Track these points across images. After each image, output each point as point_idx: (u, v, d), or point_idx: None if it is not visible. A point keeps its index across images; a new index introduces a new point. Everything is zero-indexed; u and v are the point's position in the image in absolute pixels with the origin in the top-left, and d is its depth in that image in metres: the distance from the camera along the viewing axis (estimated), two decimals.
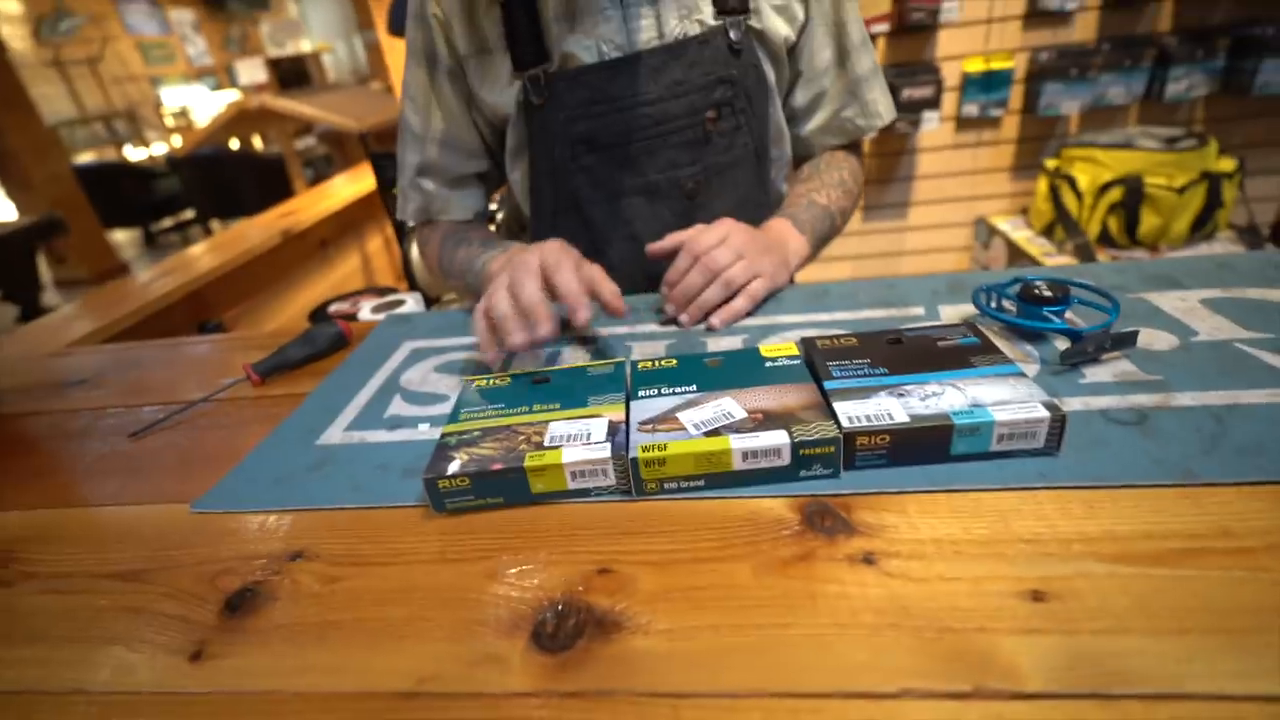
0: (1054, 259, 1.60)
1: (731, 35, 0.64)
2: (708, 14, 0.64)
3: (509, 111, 0.67)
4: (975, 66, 1.70)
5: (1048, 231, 1.70)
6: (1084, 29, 1.69)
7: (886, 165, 1.92)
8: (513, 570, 0.35)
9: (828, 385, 0.41)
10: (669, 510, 0.37)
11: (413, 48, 0.68)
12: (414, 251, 1.17)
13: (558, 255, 0.50)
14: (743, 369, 0.44)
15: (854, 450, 0.37)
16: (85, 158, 6.20)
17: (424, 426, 0.49)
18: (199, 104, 7.30)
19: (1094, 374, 0.44)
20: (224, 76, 8.02)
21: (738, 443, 0.36)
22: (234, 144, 4.63)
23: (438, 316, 0.70)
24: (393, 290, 1.15)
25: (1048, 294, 0.47)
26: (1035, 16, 1.67)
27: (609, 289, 0.51)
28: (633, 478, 0.37)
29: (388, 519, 0.40)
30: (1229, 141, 1.72)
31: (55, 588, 0.39)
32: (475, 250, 0.67)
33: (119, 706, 0.31)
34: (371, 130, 3.52)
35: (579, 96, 0.64)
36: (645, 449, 0.37)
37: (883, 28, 1.67)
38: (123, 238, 5.41)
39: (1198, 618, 0.27)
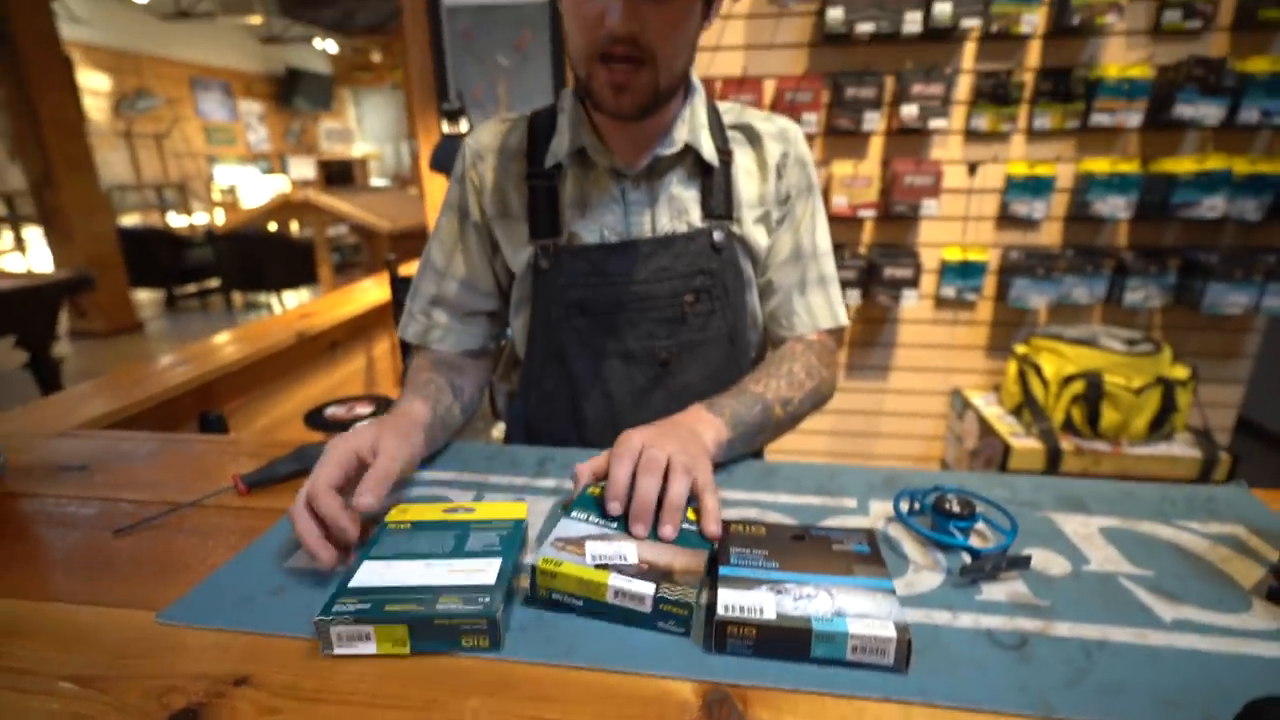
0: (1021, 440, 1.68)
1: (715, 236, 0.76)
2: (695, 217, 0.76)
3: (520, 269, 0.78)
4: (953, 255, 1.87)
5: (1017, 412, 1.79)
6: (1050, 235, 1.88)
7: (870, 330, 2.05)
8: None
9: (723, 570, 0.46)
10: (575, 679, 0.41)
11: (449, 200, 0.80)
12: None
13: (316, 487, 0.52)
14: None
15: (725, 636, 0.41)
16: (130, 219, 6.57)
17: None
18: (248, 184, 7.82)
19: (990, 591, 0.49)
20: (276, 162, 8.65)
21: (614, 580, 0.43)
22: (272, 226, 4.92)
23: None
24: (389, 403, 1.21)
25: (956, 509, 0.53)
26: (1006, 219, 1.86)
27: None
28: (530, 583, 0.45)
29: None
30: (1183, 349, 1.85)
31: (15, 684, 0.42)
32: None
33: None
34: (399, 231, 3.78)
35: (579, 268, 0.75)
36: (546, 560, 0.45)
37: (870, 214, 1.86)
38: (145, 296, 5.59)
39: None
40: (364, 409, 1.21)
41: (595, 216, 0.75)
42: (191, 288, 5.51)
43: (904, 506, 0.57)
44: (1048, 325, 1.91)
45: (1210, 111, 1.62)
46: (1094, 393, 1.60)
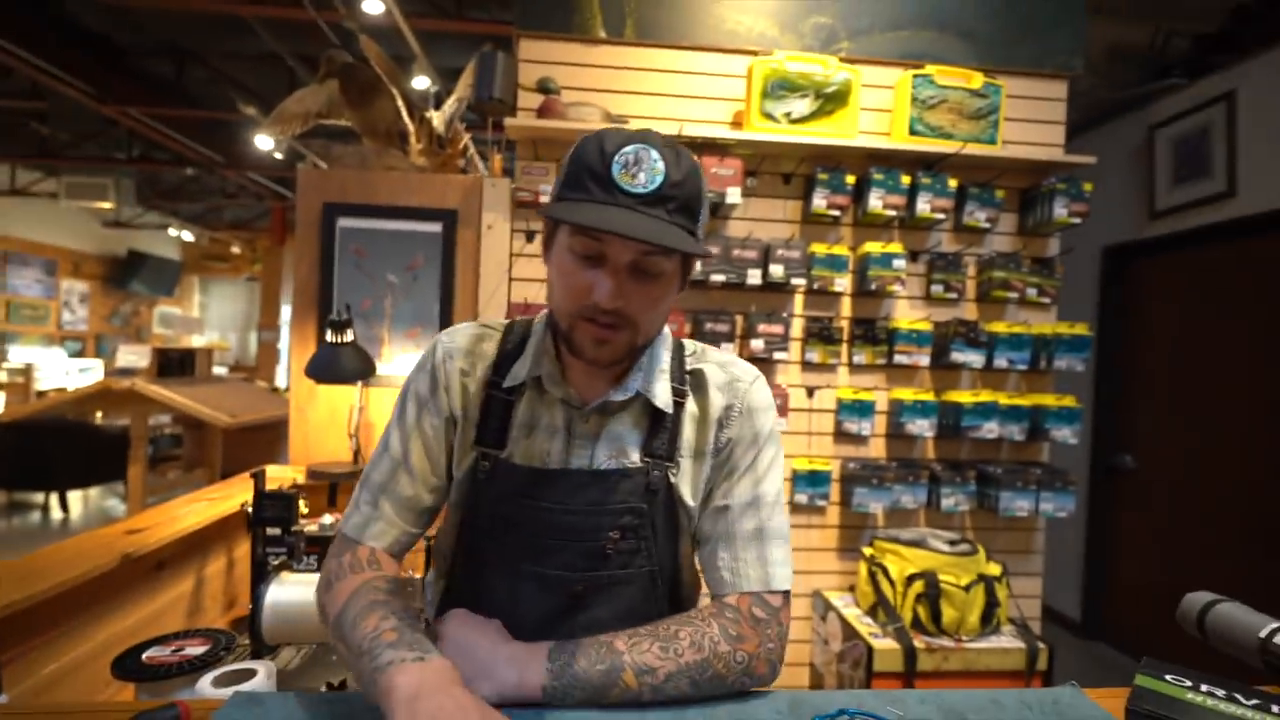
0: (880, 640, 1.78)
1: (651, 475, 0.77)
2: (635, 456, 0.77)
3: (460, 473, 0.79)
4: (802, 465, 2.11)
5: (872, 612, 1.92)
6: (877, 449, 2.21)
7: None
8: None
9: None
10: None
11: (414, 391, 0.80)
12: (273, 595, 1.11)
13: None
14: None
15: None
16: None
17: None
18: (50, 366, 6.87)
19: None
20: (91, 343, 7.78)
21: None
22: (69, 415, 4.28)
23: (295, 702, 0.66)
24: (228, 637, 1.04)
25: None
26: (841, 435, 2.17)
27: None
28: None
29: None
30: (992, 548, 2.15)
31: None
32: (385, 631, 0.62)
33: None
34: (241, 425, 3.47)
35: (511, 484, 0.76)
36: None
37: None
38: None
39: None
40: (196, 648, 1.01)
41: (538, 441, 0.78)
42: None
43: None
44: (885, 528, 2.15)
45: (974, 357, 2.10)
46: (933, 591, 1.79)
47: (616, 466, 0.77)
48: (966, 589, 1.79)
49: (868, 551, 2.01)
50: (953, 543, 1.96)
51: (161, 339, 6.60)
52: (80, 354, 7.51)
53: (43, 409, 3.93)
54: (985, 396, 2.09)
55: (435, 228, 2.18)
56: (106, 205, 6.14)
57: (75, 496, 4.77)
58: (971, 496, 2.12)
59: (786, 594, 0.76)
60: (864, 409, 2.11)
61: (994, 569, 1.89)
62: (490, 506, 0.77)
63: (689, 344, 0.84)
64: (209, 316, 8.69)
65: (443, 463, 0.80)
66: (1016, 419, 2.12)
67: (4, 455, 4.22)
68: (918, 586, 1.81)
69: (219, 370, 7.52)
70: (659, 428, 0.78)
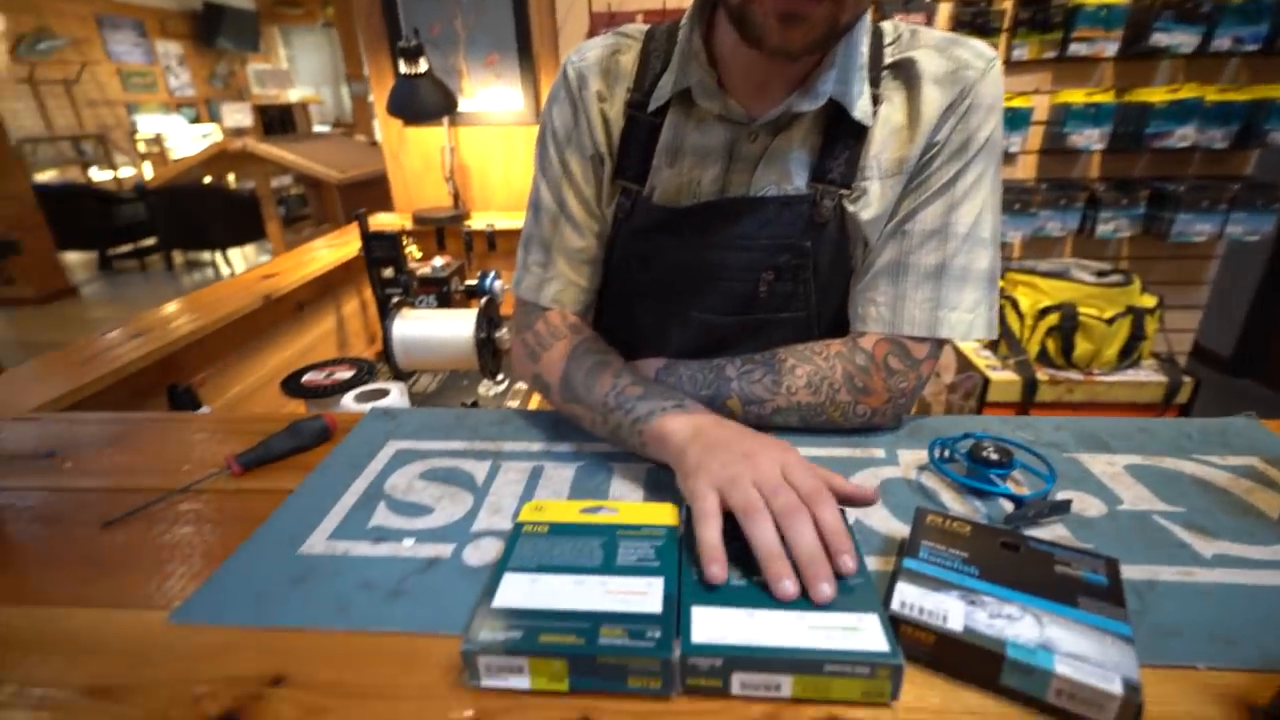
0: (998, 373, 1.72)
1: (821, 205, 0.60)
2: (800, 183, 0.61)
3: (609, 209, 0.68)
4: None
5: (993, 345, 1.83)
6: (1026, 169, 1.88)
7: None
8: (499, 710, 0.36)
9: (907, 563, 0.41)
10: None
11: (553, 129, 0.68)
12: (399, 329, 1.19)
13: (811, 480, 0.44)
14: None
15: (897, 638, 0.37)
16: (46, 176, 6.04)
17: (408, 542, 0.50)
18: (175, 133, 7.25)
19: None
20: (204, 109, 8.03)
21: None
22: (206, 179, 4.59)
23: (423, 414, 0.72)
24: (369, 365, 1.15)
25: (994, 457, 0.53)
26: None
27: (850, 488, 0.46)
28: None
29: (372, 645, 0.41)
30: (1150, 278, 1.90)
31: (23, 701, 0.38)
32: (628, 386, 0.59)
33: None
34: (350, 181, 3.57)
35: (651, 219, 0.65)
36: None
37: None
38: (75, 259, 5.22)
39: None
40: (344, 373, 1.15)
41: (685, 170, 0.63)
42: (126, 248, 5.16)
43: (938, 455, 0.56)
44: (1022, 260, 1.94)
45: (1185, 39, 1.62)
46: (1069, 324, 1.64)
47: (779, 194, 0.61)
48: (1109, 321, 1.63)
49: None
50: (1101, 274, 1.74)
51: (259, 98, 6.64)
52: (196, 120, 7.81)
53: (179, 174, 4.21)
54: (1187, 92, 1.66)
55: None
56: None
57: (235, 254, 5.36)
58: (1137, 221, 1.81)
59: (940, 342, 0.61)
60: (1017, 119, 1.75)
61: (1148, 300, 1.68)
62: (625, 246, 0.67)
63: (890, 27, 0.61)
64: (297, 70, 8.54)
65: (600, 209, 0.69)
66: (1223, 120, 1.69)
67: (166, 219, 4.70)
68: (1051, 319, 1.66)
69: (320, 128, 7.63)
70: (838, 144, 0.59)
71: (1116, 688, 0.32)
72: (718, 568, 0.40)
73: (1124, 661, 0.34)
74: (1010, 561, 0.42)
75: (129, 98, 7.16)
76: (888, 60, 0.60)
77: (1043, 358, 1.71)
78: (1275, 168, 1.83)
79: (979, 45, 0.59)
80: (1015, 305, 1.74)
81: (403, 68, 1.70)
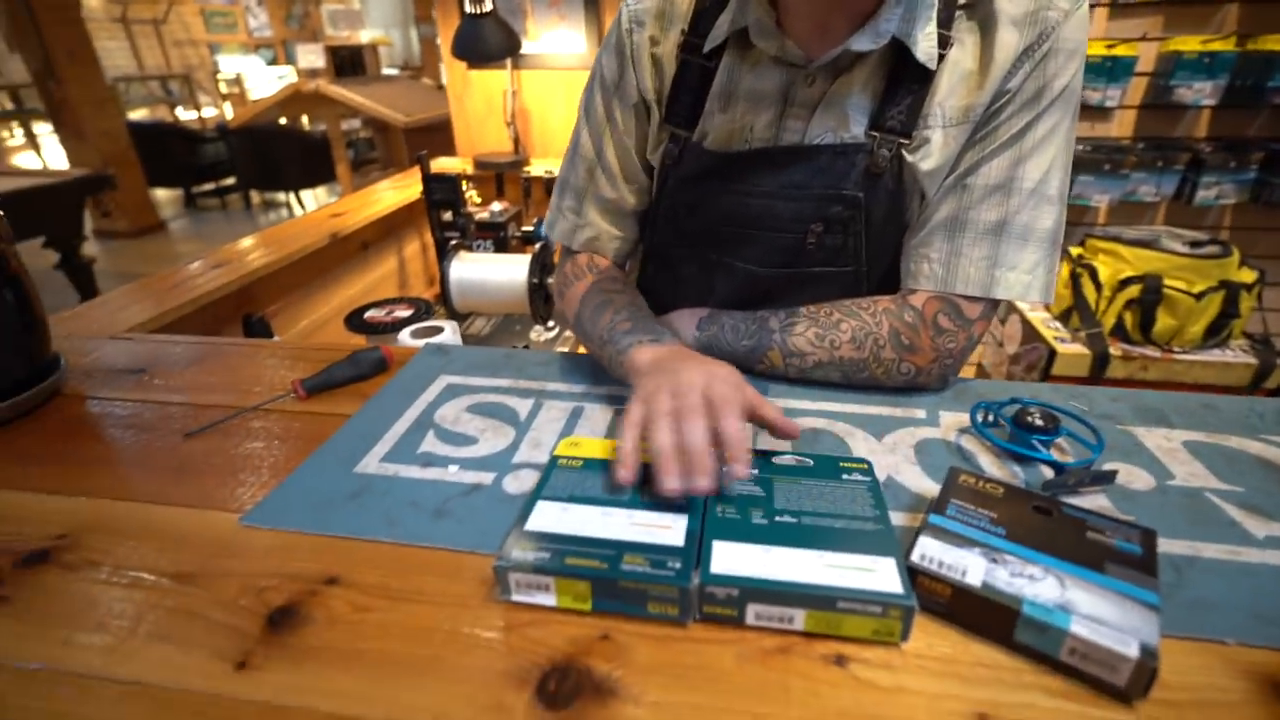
0: (1066, 345, 1.63)
1: (878, 154, 0.58)
2: (858, 131, 0.58)
3: (657, 158, 0.68)
4: None
5: (1064, 316, 1.73)
6: (1122, 126, 1.73)
7: None
8: (526, 623, 0.39)
9: (933, 519, 0.41)
10: None
11: (599, 75, 0.68)
12: (456, 271, 1.23)
13: (727, 392, 0.46)
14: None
15: (915, 588, 0.38)
16: (138, 115, 6.38)
17: (453, 468, 0.53)
18: (253, 74, 7.49)
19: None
20: (280, 50, 8.22)
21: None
22: (282, 120, 4.75)
23: (474, 352, 0.75)
24: (426, 304, 1.20)
25: (1039, 423, 0.51)
26: None
27: (773, 414, 0.47)
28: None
29: (415, 557, 0.44)
30: (1252, 251, 1.74)
31: (113, 578, 0.44)
32: (620, 322, 0.62)
33: (173, 704, 0.35)
34: (416, 125, 3.62)
35: (700, 165, 0.64)
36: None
37: None
38: (163, 195, 5.54)
39: None
40: (403, 311, 1.20)
41: (738, 115, 0.61)
42: (209, 186, 5.43)
43: (980, 418, 0.55)
44: (1106, 226, 1.80)
45: None
46: (1151, 298, 1.53)
47: (835, 142, 0.59)
48: (1199, 296, 1.51)
49: (1075, 251, 1.73)
50: (1195, 244, 1.61)
51: (332, 39, 6.76)
52: (274, 62, 8.02)
53: (257, 114, 4.37)
54: None
55: None
56: None
57: (308, 195, 5.56)
58: (1245, 187, 1.65)
59: (995, 303, 0.59)
60: (1118, 70, 1.61)
61: (1246, 275, 1.55)
62: (673, 194, 0.66)
63: None
64: (368, 10, 8.61)
65: (641, 160, 0.69)
66: None
67: (246, 160, 4.91)
68: (1131, 291, 1.55)
69: (390, 71, 7.71)
70: (901, 90, 0.56)
71: (1132, 651, 0.32)
72: (625, 471, 0.44)
73: (1145, 628, 0.34)
74: (1040, 525, 0.41)
75: (211, 38, 7.41)
76: None
77: (1118, 332, 1.61)
78: None
79: None
80: (1094, 275, 1.63)
81: (467, 6, 1.70)
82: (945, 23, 0.55)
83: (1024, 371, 1.76)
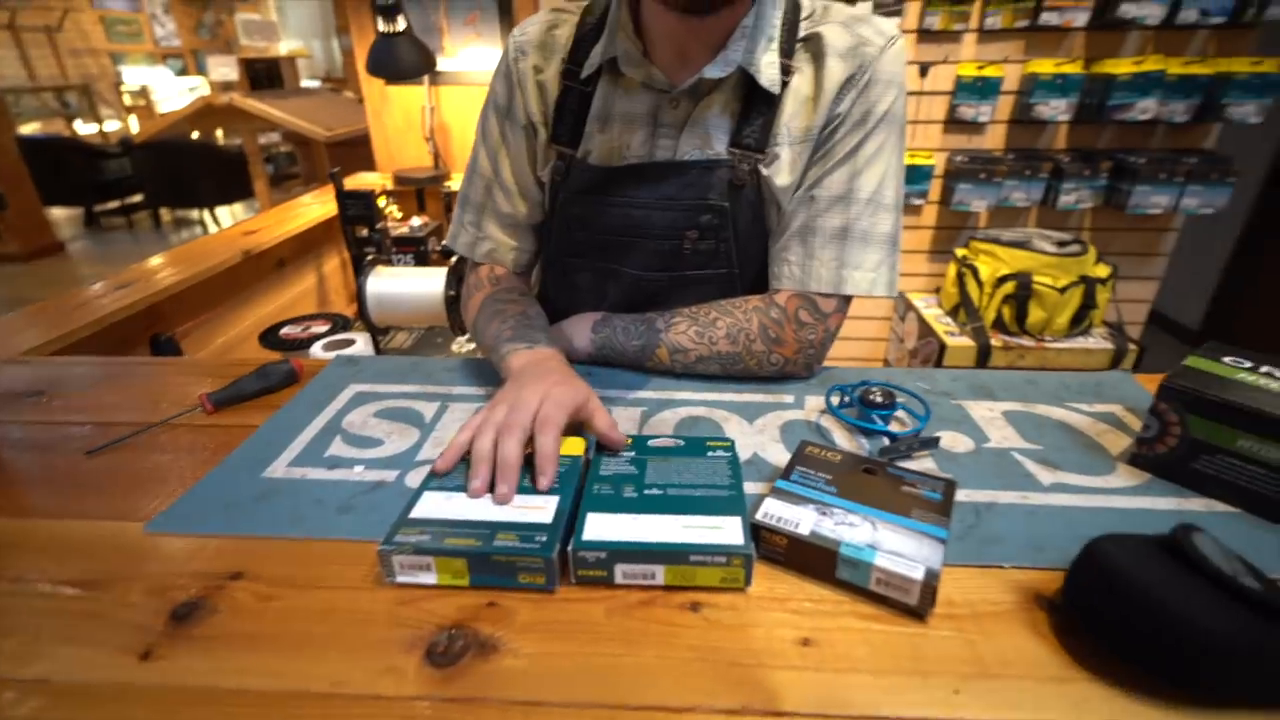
0: (955, 339, 1.79)
1: (738, 169, 0.65)
2: (720, 148, 0.66)
3: (546, 177, 0.74)
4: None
5: (954, 313, 1.90)
6: (994, 139, 1.92)
7: None
8: (420, 597, 0.43)
9: (779, 483, 0.48)
10: None
11: (492, 99, 0.74)
12: (372, 286, 1.24)
13: (552, 413, 0.52)
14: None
15: (759, 541, 0.45)
16: (30, 128, 5.95)
17: (359, 468, 0.57)
18: (162, 86, 7.10)
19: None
20: (191, 61, 7.84)
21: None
22: (194, 135, 4.55)
23: (383, 361, 0.78)
24: (344, 320, 1.21)
25: (879, 400, 0.59)
26: (953, 124, 1.89)
27: (602, 428, 0.54)
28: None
29: (319, 549, 0.48)
30: (1107, 249, 1.96)
31: (16, 590, 0.45)
32: (504, 330, 0.67)
33: (76, 696, 0.38)
34: (339, 139, 3.55)
35: (583, 181, 0.70)
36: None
37: None
38: (60, 215, 5.19)
39: (904, 663, 0.38)
40: (319, 327, 1.20)
41: (615, 135, 0.68)
42: (113, 204, 5.12)
43: (834, 400, 0.63)
44: (986, 229, 1.99)
45: (1152, 10, 1.64)
46: (1024, 292, 1.71)
47: (701, 158, 0.66)
48: (1062, 290, 1.69)
49: (960, 253, 1.90)
50: (1062, 244, 1.80)
51: (249, 50, 6.51)
52: (184, 73, 7.64)
53: (164, 129, 4.17)
54: (1151, 65, 1.69)
55: None
56: None
57: (223, 212, 5.33)
58: (1098, 192, 1.86)
59: (847, 299, 0.68)
60: (987, 89, 1.78)
61: (1101, 270, 1.75)
62: (564, 209, 0.72)
63: (807, 1, 0.66)
64: (287, 21, 8.33)
65: (535, 177, 0.75)
66: (1184, 94, 1.72)
67: (155, 176, 4.66)
68: (1007, 288, 1.72)
69: (310, 83, 7.48)
70: (754, 112, 0.64)
71: (918, 574, 0.40)
72: (442, 463, 0.51)
73: (932, 556, 0.41)
74: (866, 483, 0.49)
75: (113, 47, 6.99)
76: (802, 33, 0.64)
77: (998, 325, 1.78)
78: (1236, 142, 1.87)
79: (882, 23, 0.64)
80: (975, 274, 1.80)
81: (380, 25, 1.71)
82: (788, 53, 0.64)
83: (920, 364, 1.91)
